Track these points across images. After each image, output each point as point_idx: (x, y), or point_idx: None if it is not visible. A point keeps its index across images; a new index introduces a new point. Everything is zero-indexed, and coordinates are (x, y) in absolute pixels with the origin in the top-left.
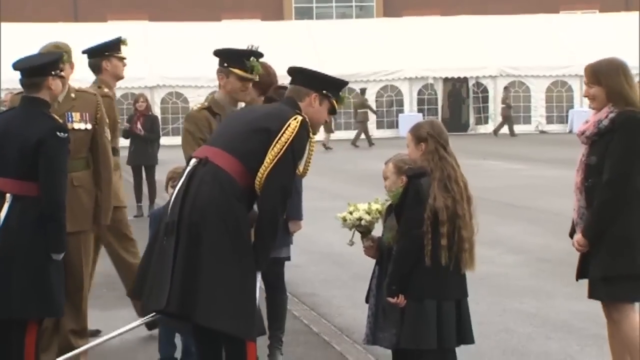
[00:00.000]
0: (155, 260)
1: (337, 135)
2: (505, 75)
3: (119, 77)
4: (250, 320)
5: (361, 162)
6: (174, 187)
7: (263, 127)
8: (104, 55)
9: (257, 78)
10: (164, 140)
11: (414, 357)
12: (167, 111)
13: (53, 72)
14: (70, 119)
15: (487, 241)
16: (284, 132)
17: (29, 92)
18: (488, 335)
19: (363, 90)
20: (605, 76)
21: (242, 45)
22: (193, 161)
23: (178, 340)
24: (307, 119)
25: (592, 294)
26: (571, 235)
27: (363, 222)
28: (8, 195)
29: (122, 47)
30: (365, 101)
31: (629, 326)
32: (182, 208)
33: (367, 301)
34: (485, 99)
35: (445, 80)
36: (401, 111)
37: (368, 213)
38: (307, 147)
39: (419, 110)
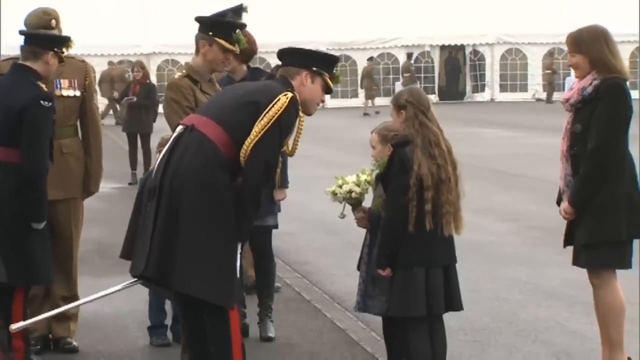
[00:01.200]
0: (140, 225)
1: (333, 103)
2: (503, 43)
3: None
4: (229, 288)
5: (355, 130)
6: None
7: (252, 100)
8: None
9: (238, 51)
10: (160, 109)
11: (403, 323)
12: (163, 78)
13: (55, 49)
14: (58, 85)
15: (481, 209)
16: (272, 107)
17: (25, 59)
18: (478, 303)
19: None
20: (586, 44)
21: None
22: (179, 128)
23: (168, 307)
24: (297, 97)
25: (575, 261)
26: (558, 202)
27: (353, 195)
28: None
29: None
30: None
31: (608, 293)
32: (164, 174)
33: (358, 268)
34: (482, 67)
35: (442, 48)
36: (397, 79)
37: (357, 185)
38: (296, 125)
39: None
